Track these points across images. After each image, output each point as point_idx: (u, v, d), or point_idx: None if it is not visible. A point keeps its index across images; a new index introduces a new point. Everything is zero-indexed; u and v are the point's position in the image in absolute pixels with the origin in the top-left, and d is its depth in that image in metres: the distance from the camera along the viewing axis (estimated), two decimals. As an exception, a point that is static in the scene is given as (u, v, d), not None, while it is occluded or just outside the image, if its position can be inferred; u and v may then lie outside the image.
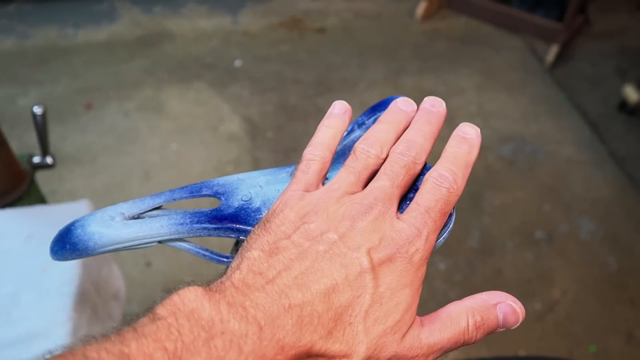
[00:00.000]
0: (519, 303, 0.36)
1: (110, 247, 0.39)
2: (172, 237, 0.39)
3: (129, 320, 0.27)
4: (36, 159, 0.91)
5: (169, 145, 2.07)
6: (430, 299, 1.62)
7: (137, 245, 0.39)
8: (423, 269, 0.34)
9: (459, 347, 0.34)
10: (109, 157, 2.03)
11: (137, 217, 0.40)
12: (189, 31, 2.73)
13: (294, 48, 2.63)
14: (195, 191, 0.42)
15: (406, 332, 0.32)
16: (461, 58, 2.60)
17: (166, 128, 2.16)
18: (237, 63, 2.52)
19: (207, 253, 0.40)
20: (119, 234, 0.39)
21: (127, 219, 0.40)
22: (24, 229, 0.78)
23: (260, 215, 0.39)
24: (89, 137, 2.10)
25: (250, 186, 0.41)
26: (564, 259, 1.75)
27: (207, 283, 0.30)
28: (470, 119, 2.26)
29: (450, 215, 0.38)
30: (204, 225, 0.39)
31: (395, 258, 0.32)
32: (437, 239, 0.36)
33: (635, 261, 1.76)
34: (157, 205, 0.41)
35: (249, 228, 0.38)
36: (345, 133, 0.46)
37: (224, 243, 1.23)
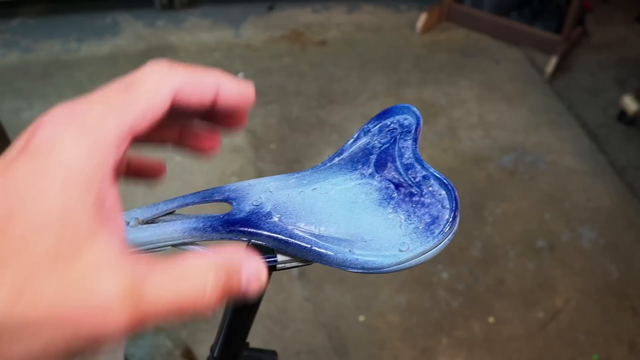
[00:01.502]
0: (262, 265, 0.28)
1: (147, 246, 0.41)
2: (185, 240, 0.40)
3: None
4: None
5: (172, 157, 2.09)
6: (434, 308, 1.62)
7: (152, 249, 0.41)
8: None
9: (184, 315, 0.25)
10: (112, 169, 2.05)
11: (151, 221, 0.42)
12: (191, 44, 2.76)
13: (296, 61, 2.66)
14: (207, 196, 0.43)
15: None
16: (461, 70, 2.63)
17: (169, 140, 2.17)
18: (240, 76, 2.54)
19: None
20: (133, 238, 0.40)
21: (142, 224, 0.41)
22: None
23: (271, 219, 0.40)
24: (93, 149, 2.11)
25: (261, 191, 0.43)
26: (565, 268, 1.76)
27: None
28: (471, 129, 2.28)
29: (454, 219, 0.39)
30: (217, 229, 0.40)
31: None
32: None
33: (636, 270, 1.76)
34: (170, 210, 0.42)
35: (260, 232, 0.40)
36: (352, 140, 0.48)
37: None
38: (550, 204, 1.97)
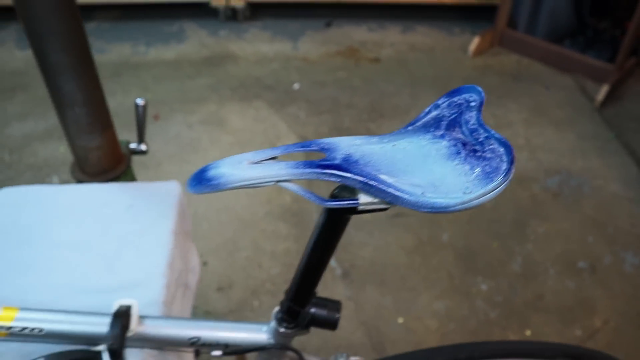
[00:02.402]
0: None
1: (238, 184, 0.50)
2: (286, 178, 0.49)
3: None
4: (133, 145, 1.04)
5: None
6: (471, 317, 1.67)
7: (259, 184, 0.50)
8: None
9: None
10: (172, 164, 2.18)
11: (259, 163, 0.51)
12: (251, 55, 2.90)
13: (349, 75, 2.76)
14: (305, 146, 0.52)
15: None
16: (511, 93, 2.68)
17: (226, 141, 2.30)
18: (296, 86, 2.66)
19: (311, 195, 0.50)
20: (245, 174, 0.49)
21: (252, 164, 0.51)
22: (125, 200, 0.90)
23: (359, 166, 0.49)
24: (155, 145, 2.25)
25: (349, 145, 0.51)
26: (606, 290, 1.78)
27: None
28: (517, 151, 2.32)
29: (509, 170, 0.47)
30: (314, 170, 0.49)
31: None
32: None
33: (679, 297, 1.77)
34: (274, 155, 0.52)
35: (349, 175, 0.48)
36: (424, 113, 0.56)
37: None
38: (594, 227, 1.99)
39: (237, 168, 0.50)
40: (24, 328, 0.65)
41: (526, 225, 1.99)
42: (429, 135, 0.52)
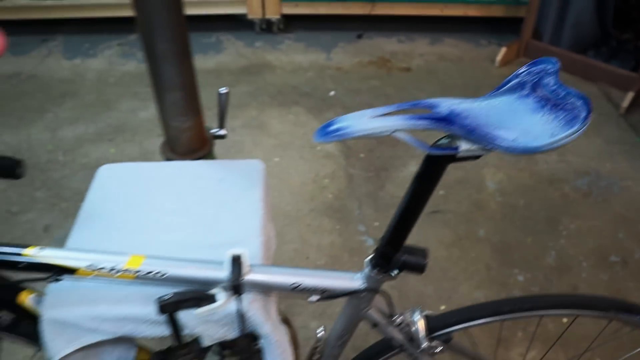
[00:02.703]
0: None
1: (361, 133, 0.61)
2: (401, 128, 0.60)
3: None
4: (214, 130, 1.15)
5: (271, 158, 2.33)
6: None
7: (378, 133, 0.61)
8: None
9: None
10: (218, 165, 2.30)
11: (376, 117, 0.62)
12: (287, 64, 3.04)
13: (382, 83, 2.88)
14: (413, 105, 0.63)
15: None
16: (538, 100, 2.77)
17: (269, 143, 2.42)
18: (332, 93, 2.78)
19: (420, 143, 0.61)
20: (367, 125, 0.61)
21: (371, 118, 0.62)
22: (215, 174, 1.02)
23: (461, 117, 0.60)
24: (201, 147, 2.37)
25: (450, 104, 0.62)
26: (637, 282, 1.86)
27: None
28: (546, 154, 2.42)
29: (587, 118, 0.57)
30: (425, 122, 0.60)
31: None
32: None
33: None
34: (389, 111, 0.62)
35: (455, 125, 0.59)
36: (506, 81, 0.67)
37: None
38: (624, 224, 2.07)
39: (360, 121, 0.61)
40: (150, 272, 0.76)
41: (558, 222, 2.08)
42: (515, 95, 0.63)
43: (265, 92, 2.78)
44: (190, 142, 1.07)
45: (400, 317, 0.85)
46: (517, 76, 0.67)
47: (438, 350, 0.88)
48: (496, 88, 0.67)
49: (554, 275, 1.87)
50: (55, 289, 0.80)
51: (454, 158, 0.63)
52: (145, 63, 0.98)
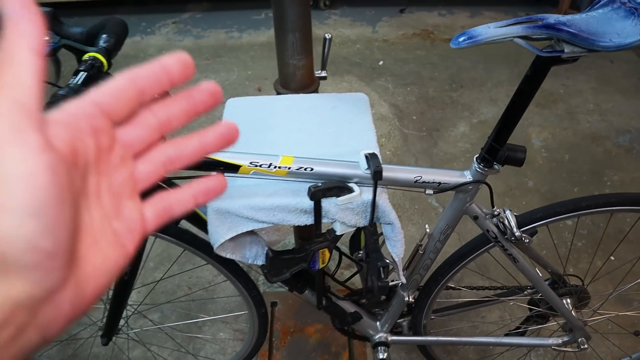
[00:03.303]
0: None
1: (490, 39, 0.78)
2: (521, 34, 0.78)
3: None
4: (318, 73, 1.34)
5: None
6: (561, 245, 1.92)
7: (503, 39, 0.78)
8: None
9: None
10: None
11: (500, 27, 0.79)
12: (335, 37, 3.21)
13: (427, 53, 3.04)
14: (527, 18, 0.80)
15: None
16: (578, 66, 2.91)
17: (326, 108, 2.60)
18: (380, 63, 2.95)
19: (533, 47, 0.78)
20: (495, 32, 0.78)
21: (496, 27, 0.79)
22: (328, 103, 1.20)
23: (567, 26, 0.77)
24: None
25: (558, 16, 0.79)
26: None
27: None
28: (588, 114, 2.57)
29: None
30: (540, 29, 0.77)
31: None
32: None
33: None
34: (509, 23, 0.80)
35: (562, 30, 0.76)
36: (597, 0, 0.84)
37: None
38: (665, 175, 2.22)
39: (487, 30, 0.79)
40: (299, 168, 0.94)
41: (602, 175, 2.23)
42: (608, 8, 0.80)
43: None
44: (303, 79, 1.25)
45: (497, 211, 1.03)
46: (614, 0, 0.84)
47: (526, 241, 1.05)
48: (591, 5, 0.84)
49: (601, 220, 2.03)
50: (221, 184, 0.99)
51: (559, 59, 0.80)
52: (272, 6, 1.16)
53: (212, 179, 0.35)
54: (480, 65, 2.94)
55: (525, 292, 1.32)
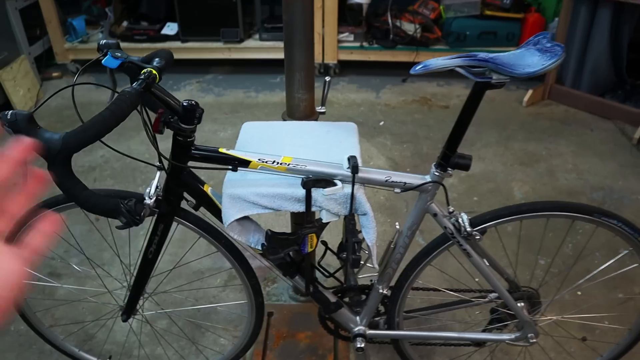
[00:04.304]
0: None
1: (437, 68, 1.07)
2: (460, 64, 1.06)
3: None
4: (318, 108, 1.64)
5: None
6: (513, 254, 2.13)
7: (448, 67, 1.07)
8: None
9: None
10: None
11: (446, 59, 1.08)
12: (342, 100, 3.56)
13: (424, 117, 3.37)
14: (466, 55, 1.09)
15: None
16: (560, 133, 3.22)
17: (330, 157, 2.90)
18: (381, 123, 3.28)
19: (471, 75, 1.07)
20: (442, 62, 1.07)
21: (444, 60, 1.08)
22: (323, 129, 1.49)
23: (494, 60, 1.05)
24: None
25: (488, 53, 1.08)
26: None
27: None
28: (566, 172, 2.84)
29: (560, 56, 1.03)
30: (472, 61, 1.06)
31: None
32: None
33: None
34: (453, 57, 1.09)
35: (491, 63, 1.05)
36: (524, 44, 1.13)
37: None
38: (632, 226, 2.44)
39: (437, 61, 1.08)
40: (296, 165, 1.22)
41: (576, 224, 2.46)
42: (524, 48, 1.09)
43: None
44: (305, 110, 1.55)
45: (452, 209, 1.29)
46: (527, 43, 1.14)
47: (477, 237, 1.30)
48: (520, 46, 1.14)
49: (570, 261, 2.25)
50: (233, 177, 1.27)
51: (490, 84, 1.08)
52: (285, 51, 1.48)
53: (49, 215, 0.48)
54: (471, 128, 3.21)
55: (488, 298, 1.54)
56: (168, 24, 3.87)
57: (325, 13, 3.60)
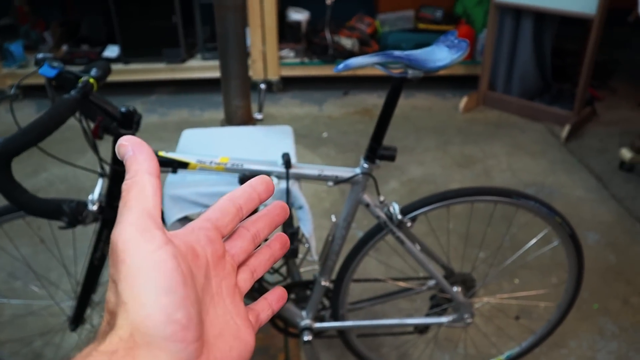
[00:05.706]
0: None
1: (358, 65, 1.16)
2: (378, 61, 1.15)
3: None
4: (255, 114, 1.70)
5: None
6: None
7: (367, 65, 1.16)
8: None
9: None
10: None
11: (366, 58, 1.17)
12: (287, 114, 3.65)
13: (366, 127, 3.49)
14: (383, 53, 1.19)
15: None
16: (495, 136, 3.39)
17: (276, 169, 2.97)
18: (325, 134, 3.37)
19: (388, 70, 1.16)
20: (361, 61, 1.16)
21: (363, 58, 1.17)
22: (261, 132, 1.56)
23: (409, 56, 1.15)
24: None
25: (402, 51, 1.18)
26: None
27: None
28: (501, 172, 2.99)
29: (465, 50, 1.13)
30: (389, 58, 1.15)
31: None
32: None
33: (629, 258, 2.36)
34: (368, 56, 1.18)
35: (405, 58, 1.14)
36: (435, 41, 1.23)
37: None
38: (563, 217, 2.60)
39: (357, 59, 1.17)
40: (233, 164, 1.28)
41: (511, 217, 2.60)
42: (435, 45, 1.19)
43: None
44: (242, 117, 1.62)
45: (383, 198, 1.37)
46: (438, 40, 1.24)
47: (408, 225, 1.39)
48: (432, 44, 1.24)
49: (509, 253, 2.37)
50: (173, 179, 1.32)
51: (406, 79, 1.18)
52: (220, 61, 1.55)
53: (277, 290, 0.44)
54: (411, 135, 3.38)
55: (426, 285, 1.63)
56: (109, 46, 3.87)
57: (265, 31, 3.69)
